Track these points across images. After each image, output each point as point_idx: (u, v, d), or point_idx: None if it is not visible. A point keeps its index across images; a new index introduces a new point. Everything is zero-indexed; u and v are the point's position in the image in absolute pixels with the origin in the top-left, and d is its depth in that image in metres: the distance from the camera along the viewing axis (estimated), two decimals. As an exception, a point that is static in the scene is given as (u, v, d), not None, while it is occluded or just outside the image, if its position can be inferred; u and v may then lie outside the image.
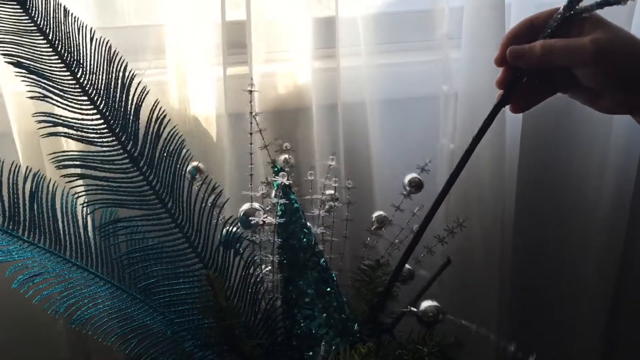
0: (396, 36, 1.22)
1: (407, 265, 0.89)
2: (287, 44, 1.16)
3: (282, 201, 0.84)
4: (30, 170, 0.82)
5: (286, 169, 0.89)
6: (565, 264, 1.38)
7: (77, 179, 0.82)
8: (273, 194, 0.86)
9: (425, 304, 0.87)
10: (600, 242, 1.33)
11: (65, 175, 0.81)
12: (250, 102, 0.91)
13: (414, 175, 0.96)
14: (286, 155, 0.96)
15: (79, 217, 0.85)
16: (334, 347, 0.83)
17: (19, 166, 0.81)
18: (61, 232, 0.83)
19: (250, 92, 0.91)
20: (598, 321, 1.39)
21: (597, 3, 0.65)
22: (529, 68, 0.69)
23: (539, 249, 1.38)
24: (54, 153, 0.82)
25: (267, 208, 0.87)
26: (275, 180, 0.85)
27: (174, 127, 0.85)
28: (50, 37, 0.80)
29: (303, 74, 1.15)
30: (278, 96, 1.16)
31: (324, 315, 0.84)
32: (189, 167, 0.89)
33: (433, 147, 1.19)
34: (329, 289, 0.86)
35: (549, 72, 0.69)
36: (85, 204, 0.85)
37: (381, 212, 0.98)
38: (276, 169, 0.87)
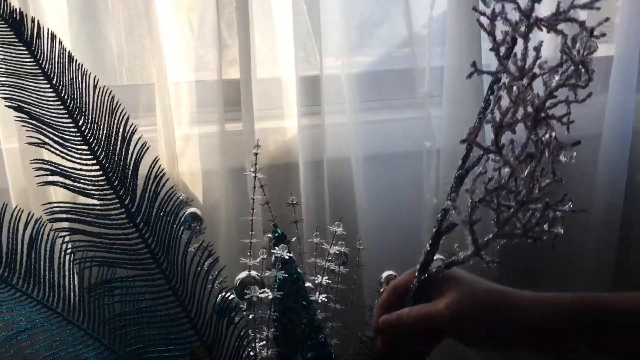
0: (379, 94, 1.22)
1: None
2: (275, 101, 1.15)
3: (280, 274, 0.79)
4: (32, 216, 0.77)
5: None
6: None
7: (69, 234, 0.78)
8: (270, 256, 0.81)
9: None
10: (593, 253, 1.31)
11: (58, 230, 0.77)
12: (255, 164, 0.87)
13: (390, 272, 0.91)
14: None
15: (75, 271, 0.80)
16: None
17: (22, 210, 0.76)
18: (56, 284, 0.78)
19: (256, 154, 0.87)
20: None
21: (446, 264, 0.65)
22: (403, 333, 0.68)
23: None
24: (47, 204, 0.77)
25: (265, 274, 0.82)
26: (275, 252, 0.80)
27: (172, 186, 0.81)
28: (54, 82, 0.76)
29: (290, 130, 1.15)
30: (268, 152, 1.15)
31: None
32: (185, 214, 0.86)
33: (417, 202, 1.18)
34: None
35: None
36: (77, 261, 0.79)
37: (391, 272, 0.92)
38: (277, 235, 0.82)
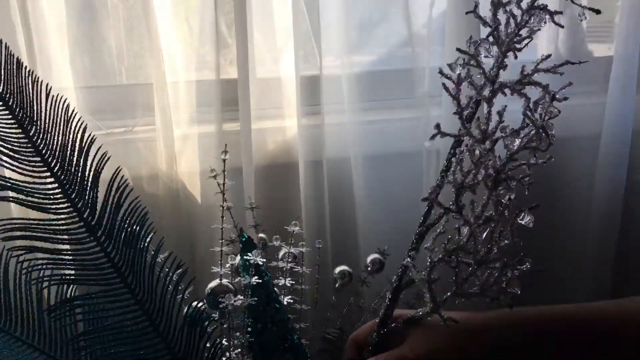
0: (379, 94, 1.21)
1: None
2: (275, 101, 1.15)
3: (254, 280, 0.75)
4: None
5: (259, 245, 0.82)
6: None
7: (25, 252, 0.71)
8: (238, 261, 0.78)
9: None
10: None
11: (13, 249, 0.71)
12: (224, 170, 0.84)
13: (376, 256, 0.90)
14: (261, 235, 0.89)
15: (33, 291, 0.74)
16: None
17: None
18: (12, 307, 0.73)
19: (224, 160, 0.84)
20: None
21: (405, 321, 0.65)
22: None
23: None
24: (1, 220, 0.70)
25: (236, 281, 0.79)
26: (247, 258, 0.76)
27: (136, 197, 0.76)
28: (0, 90, 0.70)
29: (290, 130, 1.14)
30: (267, 152, 1.15)
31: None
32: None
33: (416, 202, 1.18)
34: None
35: None
36: (35, 281, 0.73)
37: (344, 267, 0.91)
38: (244, 239, 0.79)
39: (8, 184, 0.70)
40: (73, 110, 0.72)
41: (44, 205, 0.71)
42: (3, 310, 0.72)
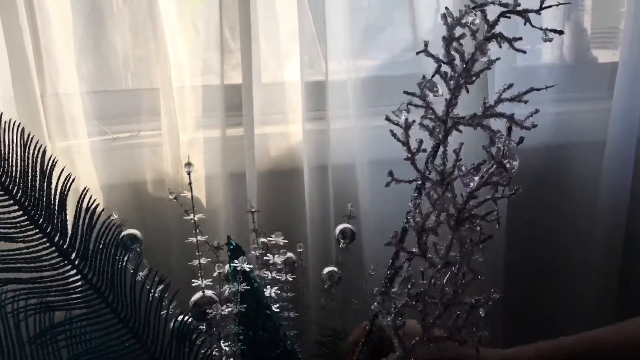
0: (384, 99, 1.18)
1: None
2: (279, 106, 1.14)
3: (242, 287, 0.74)
4: None
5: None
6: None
7: (1, 285, 0.70)
8: (227, 269, 0.77)
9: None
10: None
11: None
12: (190, 183, 0.82)
13: (332, 268, 0.89)
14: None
15: (10, 321, 0.73)
16: None
17: None
18: None
19: (189, 172, 0.82)
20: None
21: None
22: None
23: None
24: None
25: (224, 289, 0.77)
26: (234, 265, 0.75)
27: (109, 216, 0.75)
28: None
29: (295, 136, 1.14)
30: (271, 158, 1.14)
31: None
32: (122, 235, 0.78)
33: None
34: None
35: None
36: (14, 312, 0.71)
37: (332, 268, 0.90)
38: (232, 247, 0.78)
39: None
40: (29, 134, 0.71)
41: (11, 235, 0.70)
42: None
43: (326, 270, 0.90)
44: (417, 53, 0.65)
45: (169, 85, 1.05)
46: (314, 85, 1.13)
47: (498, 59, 0.62)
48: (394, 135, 0.63)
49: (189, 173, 0.80)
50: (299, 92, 1.11)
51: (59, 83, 1.01)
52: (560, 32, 0.60)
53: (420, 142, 0.64)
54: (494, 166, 0.61)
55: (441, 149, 0.64)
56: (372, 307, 0.67)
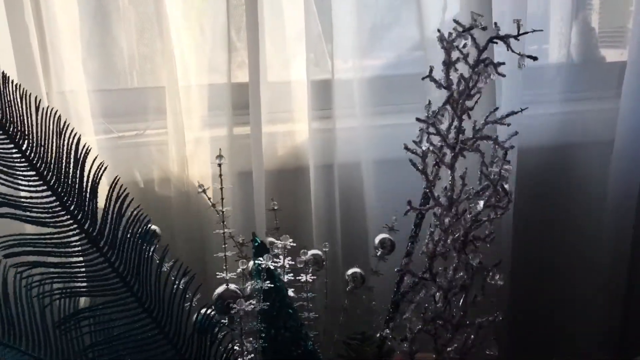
0: (390, 99, 1.20)
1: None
2: (286, 105, 1.15)
3: (266, 285, 0.75)
4: None
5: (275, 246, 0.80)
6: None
7: (29, 268, 0.71)
8: (250, 268, 0.78)
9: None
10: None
11: (18, 265, 0.70)
12: (220, 175, 0.84)
13: (385, 235, 0.89)
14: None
15: (35, 305, 0.74)
16: None
17: None
18: (15, 322, 0.73)
19: (219, 165, 0.83)
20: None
21: None
22: None
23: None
24: (1, 237, 0.69)
25: (245, 287, 0.78)
26: (259, 263, 0.76)
27: (138, 205, 0.75)
28: None
29: (301, 135, 1.14)
30: (278, 156, 1.15)
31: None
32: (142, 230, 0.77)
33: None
34: None
35: None
36: (40, 295, 0.72)
37: (356, 269, 0.90)
38: (257, 244, 0.78)
39: (5, 200, 0.69)
40: (65, 122, 0.72)
41: (43, 220, 0.71)
42: (6, 325, 0.72)
43: (350, 271, 0.90)
44: (423, 79, 0.68)
45: (175, 84, 1.05)
46: (320, 84, 1.13)
47: (486, 82, 0.65)
48: (414, 164, 0.66)
49: (219, 165, 0.83)
50: (305, 91, 1.11)
51: (64, 81, 1.02)
52: (535, 58, 0.64)
53: (437, 171, 0.66)
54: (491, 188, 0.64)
55: (449, 174, 0.66)
56: (382, 333, 0.68)
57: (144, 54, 1.11)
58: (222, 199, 0.82)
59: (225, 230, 0.82)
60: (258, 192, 1.07)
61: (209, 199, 0.83)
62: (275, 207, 0.86)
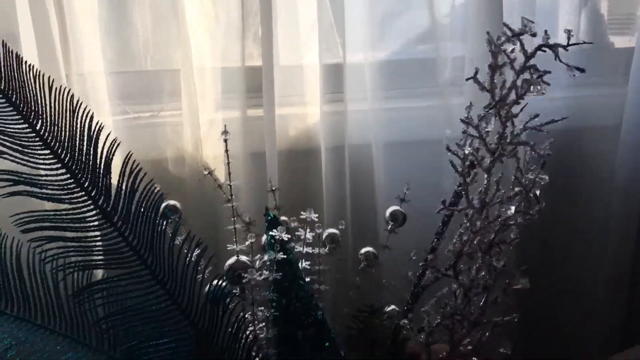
0: (401, 83, 1.22)
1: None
2: (298, 88, 1.17)
3: (280, 256, 0.77)
4: None
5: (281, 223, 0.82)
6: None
7: (45, 242, 0.73)
8: (264, 241, 0.80)
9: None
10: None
11: (34, 240, 0.73)
12: (226, 150, 0.85)
13: (396, 208, 0.90)
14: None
15: (49, 279, 0.77)
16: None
17: None
18: (30, 296, 0.76)
19: (225, 140, 0.85)
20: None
21: None
22: None
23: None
24: (18, 214, 0.72)
25: (256, 259, 0.80)
26: (272, 234, 0.78)
27: (151, 180, 0.77)
28: (2, 87, 0.71)
29: (312, 117, 1.16)
30: (290, 138, 1.17)
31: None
32: (162, 207, 0.81)
33: (436, 188, 1.19)
34: (327, 344, 0.80)
35: None
36: (56, 269, 0.75)
37: (369, 249, 0.91)
38: (270, 218, 0.81)
39: (21, 179, 0.72)
40: (78, 100, 0.73)
41: (58, 196, 0.73)
42: (21, 300, 0.75)
43: (363, 250, 0.91)
44: (467, 79, 0.67)
45: (190, 67, 1.07)
46: (332, 68, 1.15)
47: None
48: (453, 166, 0.67)
49: (225, 140, 0.84)
50: (317, 75, 1.13)
51: (83, 63, 1.04)
52: (582, 71, 0.66)
53: (475, 175, 0.67)
54: (523, 194, 0.65)
55: (485, 178, 0.67)
56: (399, 322, 0.70)
57: (159, 37, 1.14)
58: (230, 173, 0.84)
59: (235, 204, 0.83)
60: (271, 172, 1.10)
61: (216, 180, 0.85)
62: (274, 188, 0.87)
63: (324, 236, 0.88)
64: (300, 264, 0.84)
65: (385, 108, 1.17)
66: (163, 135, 1.12)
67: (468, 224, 0.67)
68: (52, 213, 0.73)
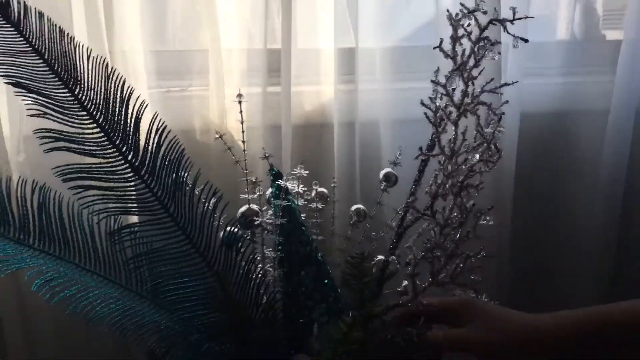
0: (409, 67, 1.31)
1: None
2: (314, 69, 1.27)
3: (284, 203, 0.85)
4: (37, 183, 0.83)
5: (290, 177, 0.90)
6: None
7: (82, 190, 0.81)
8: (269, 194, 0.89)
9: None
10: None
11: (72, 188, 0.81)
12: (240, 112, 0.92)
13: (388, 170, 0.98)
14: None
15: (85, 225, 0.85)
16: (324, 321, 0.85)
17: (25, 180, 0.82)
18: (69, 239, 0.84)
19: (240, 102, 0.92)
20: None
21: (389, 307, 0.76)
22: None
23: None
24: (59, 167, 0.80)
25: (263, 208, 0.88)
26: (278, 184, 0.87)
27: (174, 137, 0.84)
28: (46, 57, 0.79)
29: (326, 94, 1.26)
30: (305, 112, 1.27)
31: (323, 305, 0.86)
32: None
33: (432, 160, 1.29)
34: (326, 282, 0.88)
35: None
36: (92, 214, 0.83)
37: (359, 206, 0.99)
38: (274, 172, 0.89)
39: (62, 136, 0.80)
40: (112, 68, 0.83)
41: (93, 152, 0.83)
42: (61, 242, 0.84)
43: (354, 207, 0.99)
44: (433, 48, 0.77)
45: (218, 48, 1.18)
46: (345, 52, 1.25)
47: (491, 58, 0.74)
48: (428, 118, 0.77)
49: (240, 102, 0.92)
50: (332, 58, 1.23)
51: (124, 41, 1.15)
52: (526, 40, 0.73)
53: (444, 125, 0.77)
54: (485, 145, 0.75)
55: (453, 129, 0.77)
56: (388, 258, 0.80)
57: (191, 19, 1.23)
58: (243, 131, 0.93)
59: (248, 170, 0.92)
60: (285, 143, 1.21)
61: (225, 143, 0.92)
62: (267, 155, 0.92)
63: (317, 190, 0.96)
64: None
65: (393, 89, 1.27)
66: (191, 107, 1.22)
67: (441, 168, 0.77)
68: (87, 166, 0.82)
